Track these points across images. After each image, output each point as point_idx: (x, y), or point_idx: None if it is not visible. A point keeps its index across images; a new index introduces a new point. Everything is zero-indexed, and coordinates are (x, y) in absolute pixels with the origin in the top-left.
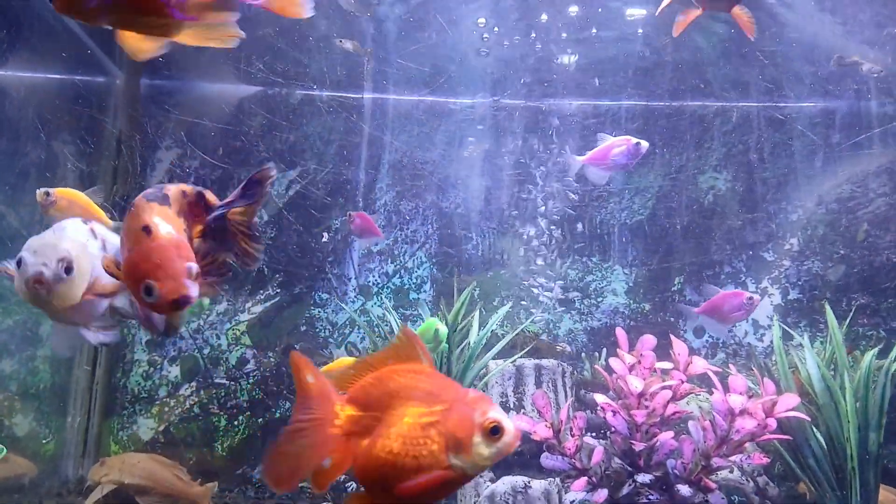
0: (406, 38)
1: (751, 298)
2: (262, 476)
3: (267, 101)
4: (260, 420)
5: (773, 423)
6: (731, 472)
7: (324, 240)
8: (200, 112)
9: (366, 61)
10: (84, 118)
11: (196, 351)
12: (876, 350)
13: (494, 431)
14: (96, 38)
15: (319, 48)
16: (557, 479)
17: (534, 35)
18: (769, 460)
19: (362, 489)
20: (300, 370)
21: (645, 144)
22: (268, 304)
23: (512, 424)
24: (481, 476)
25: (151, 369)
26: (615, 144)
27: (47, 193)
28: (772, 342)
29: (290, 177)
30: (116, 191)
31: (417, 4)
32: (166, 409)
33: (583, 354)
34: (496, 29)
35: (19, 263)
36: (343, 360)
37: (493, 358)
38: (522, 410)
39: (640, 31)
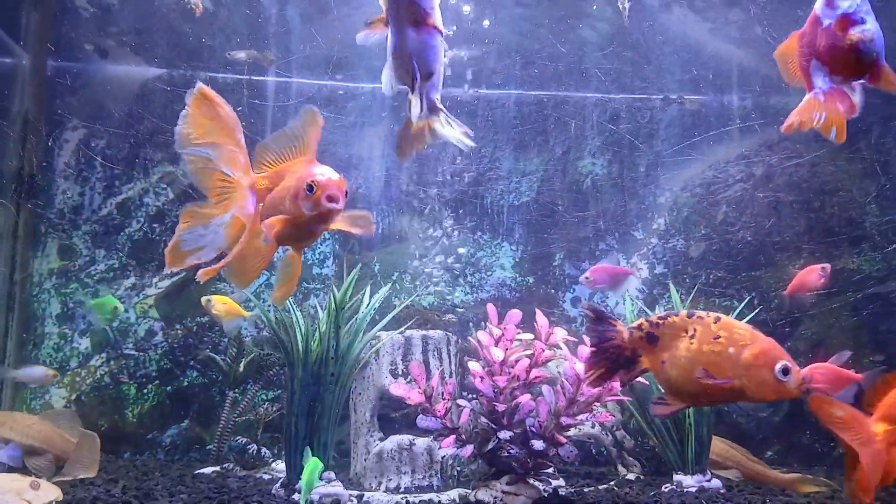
0: (309, 24)
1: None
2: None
3: (172, 82)
4: (169, 388)
5: (617, 385)
6: (593, 426)
7: None
8: (107, 93)
9: (267, 65)
10: None
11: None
12: None
13: None
14: (1, 19)
15: (224, 32)
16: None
17: None
18: (613, 418)
19: None
20: (829, 409)
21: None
22: (174, 278)
23: None
24: (371, 435)
25: (62, 342)
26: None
27: None
28: (639, 310)
29: None
30: (24, 171)
31: None
32: (77, 379)
33: (470, 324)
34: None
35: None
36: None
37: (386, 330)
38: (409, 377)
39: (531, 24)
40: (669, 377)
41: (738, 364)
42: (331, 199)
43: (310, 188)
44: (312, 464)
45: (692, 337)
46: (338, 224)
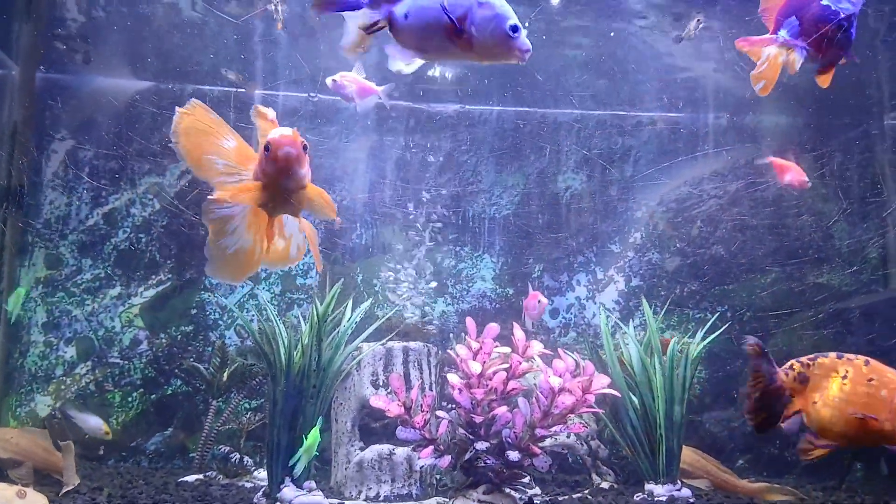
0: (295, 39)
1: None
2: None
3: (160, 95)
4: (153, 396)
5: (591, 398)
6: (568, 436)
7: None
8: (95, 105)
9: (245, 88)
10: None
11: (91, 332)
12: (676, 338)
13: None
14: None
15: (210, 46)
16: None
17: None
18: (587, 428)
19: None
20: None
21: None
22: (159, 288)
23: None
24: (352, 444)
25: (48, 350)
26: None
27: None
28: (613, 323)
29: (182, 167)
30: (12, 181)
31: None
32: (63, 387)
33: (451, 335)
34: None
35: None
36: None
37: (367, 341)
38: (389, 389)
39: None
40: (822, 417)
41: (891, 407)
42: (286, 150)
43: (266, 148)
44: (314, 434)
45: (844, 378)
46: (311, 191)
